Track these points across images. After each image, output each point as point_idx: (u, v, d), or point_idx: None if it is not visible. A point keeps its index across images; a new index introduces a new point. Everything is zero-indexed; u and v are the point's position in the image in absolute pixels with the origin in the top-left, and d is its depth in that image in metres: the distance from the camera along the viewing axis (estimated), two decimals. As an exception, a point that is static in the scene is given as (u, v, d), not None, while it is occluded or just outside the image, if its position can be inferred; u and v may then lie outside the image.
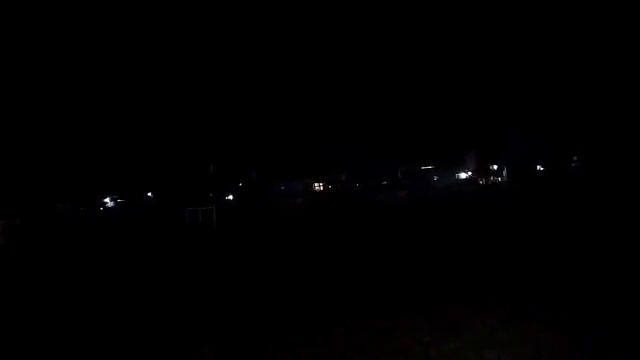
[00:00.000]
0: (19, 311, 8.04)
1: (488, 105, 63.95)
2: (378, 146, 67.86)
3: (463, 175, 68.20)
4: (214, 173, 60.52)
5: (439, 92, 75.02)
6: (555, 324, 5.18)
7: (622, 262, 7.82)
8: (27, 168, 56.10)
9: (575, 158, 60.93)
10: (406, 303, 6.50)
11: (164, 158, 64.79)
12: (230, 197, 65.72)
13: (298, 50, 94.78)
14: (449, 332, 5.16)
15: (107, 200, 71.32)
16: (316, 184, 71.61)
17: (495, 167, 65.93)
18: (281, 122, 70.84)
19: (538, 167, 62.30)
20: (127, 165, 65.36)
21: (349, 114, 70.87)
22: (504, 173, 62.67)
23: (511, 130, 61.10)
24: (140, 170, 65.50)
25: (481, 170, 65.30)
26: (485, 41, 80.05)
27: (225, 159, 64.90)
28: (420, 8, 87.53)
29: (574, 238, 10.64)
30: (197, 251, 14.49)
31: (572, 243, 10.00)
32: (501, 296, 6.42)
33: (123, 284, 9.69)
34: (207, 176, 59.73)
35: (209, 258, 12.86)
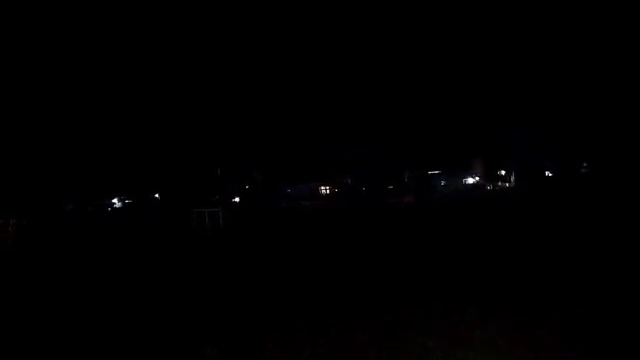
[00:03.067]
0: (23, 311, 8.10)
1: (495, 110, 63.60)
2: (385, 150, 67.75)
3: (470, 180, 68.00)
4: (221, 175, 60.86)
5: (447, 96, 74.82)
6: (559, 328, 5.11)
7: (630, 267, 7.70)
8: (34, 168, 56.67)
9: (585, 164, 60.37)
10: (407, 304, 6.45)
11: (171, 160, 65.20)
12: (237, 199, 65.96)
13: (304, 55, 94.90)
14: (450, 334, 5.12)
15: (115, 200, 71.94)
16: (322, 187, 71.61)
17: (503, 172, 65.58)
18: (288, 125, 70.89)
19: (546, 173, 61.81)
20: (135, 166, 65.84)
21: (356, 118, 70.67)
22: (512, 178, 62.30)
23: (519, 135, 60.74)
24: (147, 171, 65.94)
25: (489, 175, 64.99)
26: (494, 46, 79.69)
27: (232, 161, 65.20)
28: (428, 9, 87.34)
29: (583, 243, 10.51)
30: (202, 252, 14.52)
31: (580, 248, 9.88)
32: (505, 299, 6.35)
33: (127, 285, 9.75)
34: (214, 178, 60.06)
35: (214, 259, 12.89)
